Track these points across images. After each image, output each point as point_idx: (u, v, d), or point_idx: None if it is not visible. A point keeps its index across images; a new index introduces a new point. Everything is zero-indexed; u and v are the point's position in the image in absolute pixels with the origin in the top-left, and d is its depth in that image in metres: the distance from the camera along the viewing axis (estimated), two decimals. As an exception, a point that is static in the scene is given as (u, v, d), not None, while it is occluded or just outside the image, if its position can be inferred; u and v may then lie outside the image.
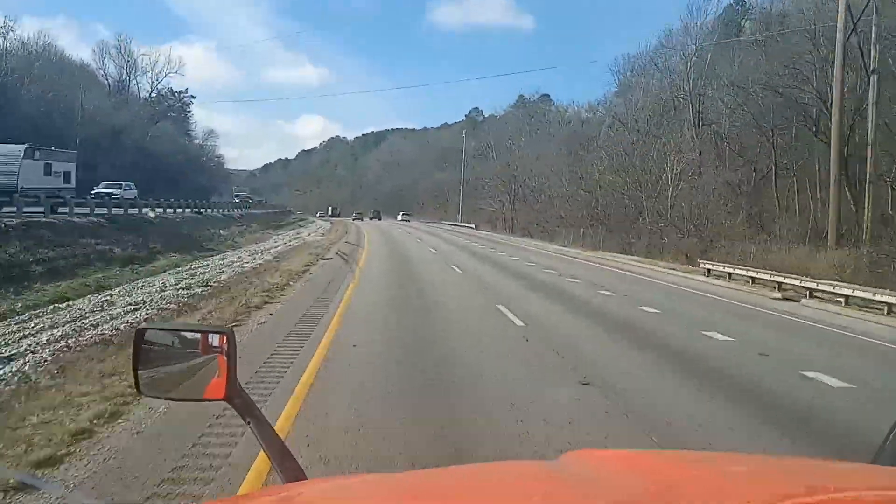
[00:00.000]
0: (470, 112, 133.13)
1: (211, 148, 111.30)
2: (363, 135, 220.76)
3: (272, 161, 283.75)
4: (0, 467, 3.56)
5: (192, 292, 13.86)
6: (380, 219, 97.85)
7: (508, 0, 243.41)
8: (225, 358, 1.33)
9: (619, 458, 1.30)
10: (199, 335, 1.42)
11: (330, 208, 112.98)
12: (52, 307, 12.79)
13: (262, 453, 3.40)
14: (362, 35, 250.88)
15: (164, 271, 20.11)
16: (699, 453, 2.47)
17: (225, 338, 1.35)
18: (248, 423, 1.33)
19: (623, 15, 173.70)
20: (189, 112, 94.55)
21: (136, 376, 1.38)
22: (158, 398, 1.88)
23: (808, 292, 17.31)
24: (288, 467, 1.33)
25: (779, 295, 17.89)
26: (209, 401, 1.38)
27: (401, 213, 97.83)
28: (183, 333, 1.49)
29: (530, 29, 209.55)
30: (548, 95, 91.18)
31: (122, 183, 40.10)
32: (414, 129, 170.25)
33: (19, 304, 13.27)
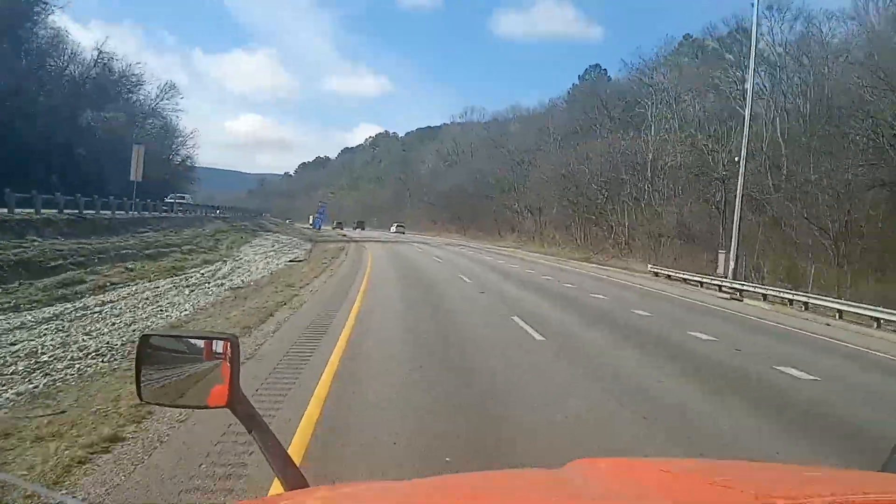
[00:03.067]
0: (586, 72, 78.90)
1: (165, 124, 63.69)
2: (417, 129, 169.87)
3: (310, 160, 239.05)
4: (18, 479, 2.90)
5: None
6: (363, 229, 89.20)
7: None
8: (228, 365, 1.28)
9: (624, 466, 1.29)
10: (203, 342, 1.36)
11: (312, 217, 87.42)
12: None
13: None
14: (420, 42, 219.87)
15: None
16: (704, 462, 2.32)
17: (229, 344, 1.30)
18: (251, 431, 1.29)
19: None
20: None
21: (138, 382, 1.32)
22: (161, 405, 1.67)
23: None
24: (290, 475, 1.28)
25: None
26: (212, 408, 1.32)
27: (394, 225, 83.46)
28: (187, 340, 1.43)
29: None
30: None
31: None
32: (480, 122, 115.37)
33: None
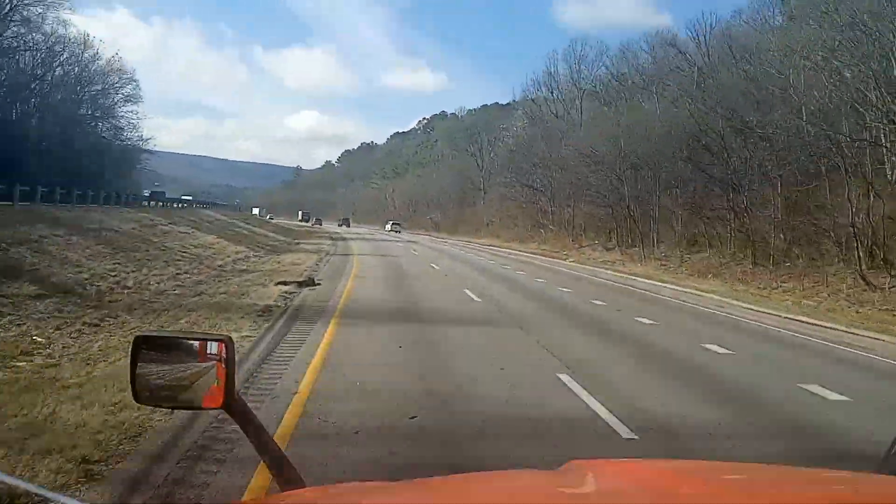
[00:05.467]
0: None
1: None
2: (483, 106, 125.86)
3: (354, 147, 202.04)
4: (22, 482, 2.47)
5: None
6: (348, 226, 78.82)
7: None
8: (223, 366, 1.25)
9: (622, 468, 1.29)
10: (197, 343, 1.33)
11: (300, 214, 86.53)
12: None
13: None
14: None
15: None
16: (703, 463, 2.27)
17: (223, 345, 1.27)
18: (248, 432, 1.28)
19: None
20: None
21: (133, 382, 1.30)
22: (156, 406, 1.71)
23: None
24: (286, 475, 1.27)
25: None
26: (207, 409, 1.31)
27: (390, 223, 75.97)
28: (181, 340, 1.39)
29: None
30: None
31: None
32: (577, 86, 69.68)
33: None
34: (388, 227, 74.67)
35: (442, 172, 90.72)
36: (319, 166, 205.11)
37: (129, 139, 60.49)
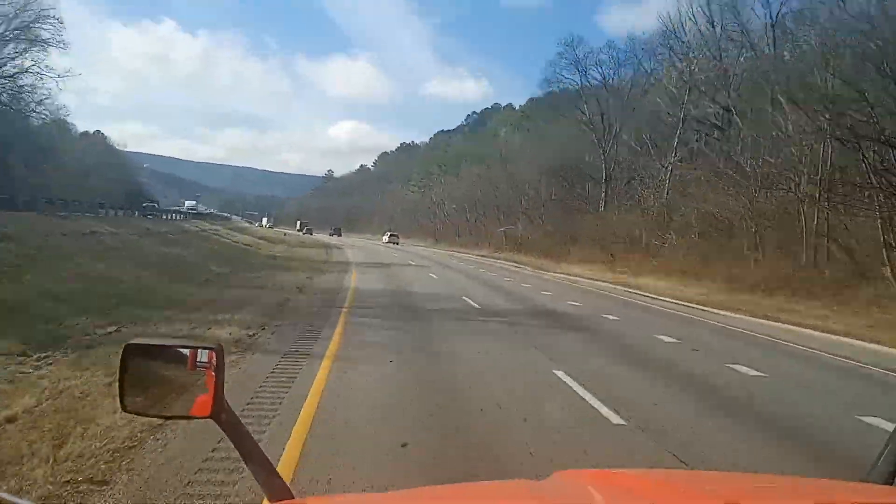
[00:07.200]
0: None
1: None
2: (545, 95, 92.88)
3: (391, 149, 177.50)
4: (14, 497, 2.70)
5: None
6: (340, 235, 76.97)
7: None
8: (213, 374, 1.25)
9: (609, 477, 1.28)
10: (187, 351, 1.32)
11: (298, 223, 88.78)
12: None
13: None
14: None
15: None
16: (689, 472, 2.31)
17: (214, 354, 1.27)
18: (235, 442, 1.26)
19: None
20: None
21: (122, 392, 1.30)
22: (144, 415, 1.63)
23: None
24: (274, 486, 1.25)
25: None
26: (196, 418, 1.32)
27: (387, 233, 71.03)
28: (171, 349, 1.38)
29: None
30: None
31: None
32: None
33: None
34: (386, 237, 69.04)
35: (513, 167, 62.62)
36: (354, 170, 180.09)
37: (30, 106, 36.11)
